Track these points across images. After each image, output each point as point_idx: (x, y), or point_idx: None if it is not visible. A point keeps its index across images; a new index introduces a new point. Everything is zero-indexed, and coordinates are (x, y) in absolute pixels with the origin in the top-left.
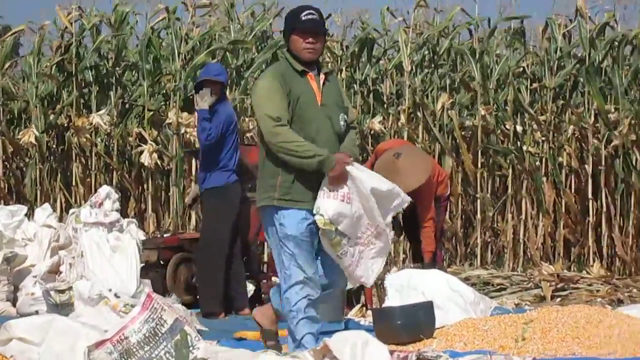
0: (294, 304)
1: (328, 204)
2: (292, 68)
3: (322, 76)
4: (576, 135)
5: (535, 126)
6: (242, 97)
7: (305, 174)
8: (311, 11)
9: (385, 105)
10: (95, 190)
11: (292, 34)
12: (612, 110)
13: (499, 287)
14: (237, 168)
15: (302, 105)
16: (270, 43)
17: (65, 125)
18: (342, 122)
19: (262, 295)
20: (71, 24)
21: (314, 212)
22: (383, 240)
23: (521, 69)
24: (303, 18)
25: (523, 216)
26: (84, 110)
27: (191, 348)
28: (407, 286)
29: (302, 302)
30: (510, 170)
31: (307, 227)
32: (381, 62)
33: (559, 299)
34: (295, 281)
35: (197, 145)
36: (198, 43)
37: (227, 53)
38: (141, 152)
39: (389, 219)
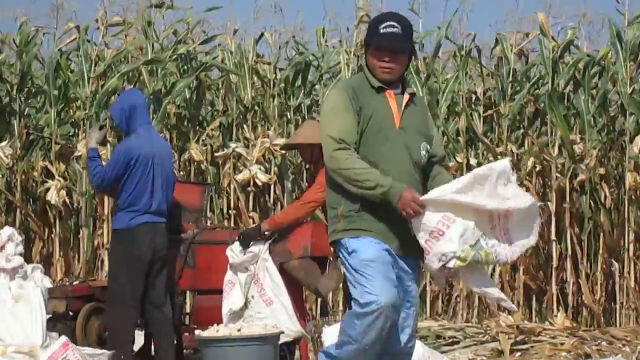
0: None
1: (442, 245)
2: (367, 82)
3: (406, 96)
4: (537, 169)
5: (491, 158)
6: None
7: (371, 203)
8: (393, 23)
9: None
10: None
11: (368, 48)
12: (578, 140)
13: (451, 340)
14: (167, 208)
15: (374, 126)
16: (195, 66)
17: None
18: (423, 152)
19: (184, 350)
20: None
21: (441, 261)
22: (518, 213)
23: (474, 93)
24: (381, 31)
25: None
26: None
27: None
28: None
29: (371, 334)
30: None
31: (382, 249)
32: (317, 87)
33: (518, 353)
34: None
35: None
36: (110, 66)
37: (144, 76)
38: (47, 189)
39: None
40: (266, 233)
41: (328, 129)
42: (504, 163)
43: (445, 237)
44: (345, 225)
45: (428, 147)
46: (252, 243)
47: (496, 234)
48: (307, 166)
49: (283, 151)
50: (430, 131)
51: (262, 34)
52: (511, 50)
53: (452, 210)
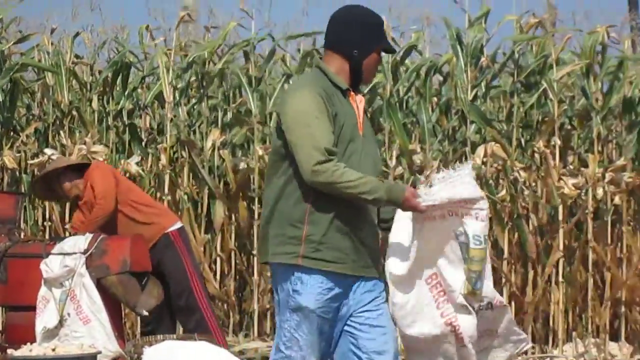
0: None
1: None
2: (331, 83)
3: (360, 98)
4: None
5: None
6: None
7: (342, 225)
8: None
9: (143, 143)
10: None
11: (374, 51)
12: (418, 150)
13: None
14: None
15: (346, 135)
16: (8, 66)
17: None
18: (380, 162)
19: None
20: None
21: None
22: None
23: None
24: (387, 36)
25: None
26: None
27: None
28: None
29: None
30: None
31: (329, 300)
32: (139, 90)
33: None
34: None
35: None
36: None
37: None
38: None
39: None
40: None
41: (308, 137)
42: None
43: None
44: (306, 251)
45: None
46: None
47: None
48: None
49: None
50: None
51: (77, 33)
52: None
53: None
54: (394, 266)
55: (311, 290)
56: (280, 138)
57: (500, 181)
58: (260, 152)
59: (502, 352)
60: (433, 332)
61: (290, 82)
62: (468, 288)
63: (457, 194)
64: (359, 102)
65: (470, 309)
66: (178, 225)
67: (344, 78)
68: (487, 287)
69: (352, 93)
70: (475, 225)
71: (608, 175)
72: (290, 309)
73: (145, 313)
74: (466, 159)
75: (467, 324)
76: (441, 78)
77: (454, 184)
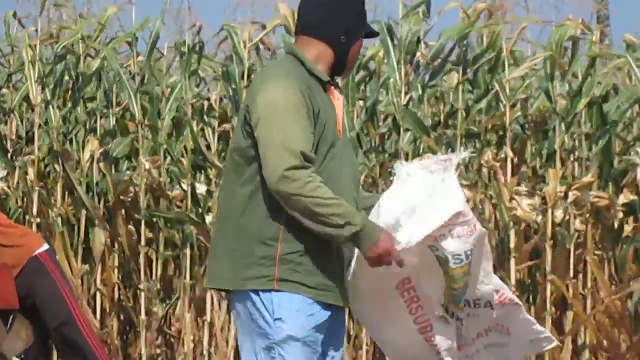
0: None
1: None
2: (310, 74)
3: (339, 95)
4: None
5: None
6: None
7: (320, 242)
8: None
9: (10, 155)
10: None
11: (357, 37)
12: None
13: None
14: None
15: (327, 137)
16: None
17: None
18: (359, 174)
19: None
20: None
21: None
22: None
23: (207, 100)
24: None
25: (208, 317)
26: None
27: None
28: None
29: None
30: (188, 249)
31: (315, 329)
32: (4, 91)
33: None
34: None
35: None
36: None
37: None
38: None
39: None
40: None
41: (281, 136)
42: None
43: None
44: (282, 273)
45: None
46: None
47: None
48: None
49: None
50: None
51: None
52: (244, 46)
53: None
54: (361, 271)
55: (296, 316)
56: (248, 137)
57: None
58: (147, 165)
59: (518, 350)
60: (406, 340)
61: (261, 70)
62: (450, 301)
63: (437, 220)
64: (336, 99)
65: (449, 318)
66: (45, 246)
67: (322, 68)
68: (486, 288)
69: (332, 88)
70: (452, 244)
71: (571, 195)
72: (274, 343)
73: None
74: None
75: (444, 335)
76: (367, 76)
77: (435, 204)
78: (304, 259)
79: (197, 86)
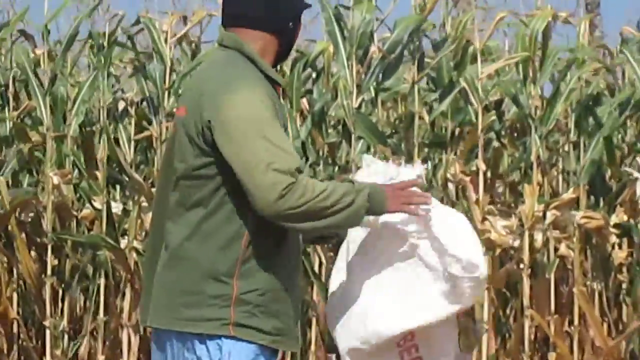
0: None
1: None
2: (265, 77)
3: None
4: None
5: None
6: None
7: (285, 277)
8: None
9: None
10: None
11: (296, 17)
12: None
13: None
14: None
15: None
16: None
17: None
18: None
19: None
20: None
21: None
22: None
23: (126, 102)
24: None
25: (125, 359)
26: None
27: None
28: None
29: None
30: (102, 279)
31: None
32: None
33: None
34: None
35: None
36: None
37: None
38: None
39: None
40: None
41: (269, 155)
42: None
43: None
44: (238, 316)
45: None
46: None
47: None
48: None
49: None
50: None
51: None
52: (165, 40)
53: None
54: (353, 329)
55: None
56: (202, 155)
57: None
58: (56, 180)
59: None
60: None
61: (210, 72)
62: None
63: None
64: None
65: None
66: None
67: (268, 63)
68: None
69: (280, 89)
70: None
71: (550, 215)
72: None
73: None
74: None
75: None
76: (314, 75)
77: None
78: (263, 299)
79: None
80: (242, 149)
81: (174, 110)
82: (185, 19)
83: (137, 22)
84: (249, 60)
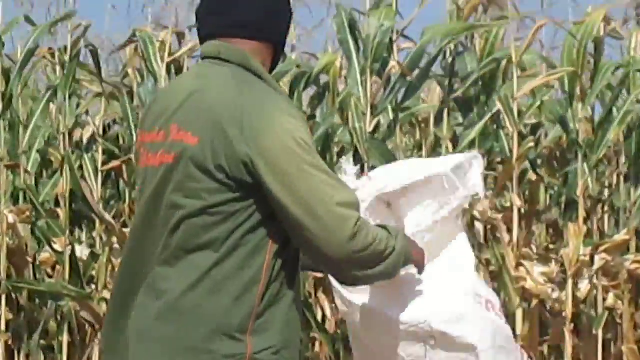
0: None
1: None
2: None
3: None
4: None
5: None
6: None
7: (295, 330)
8: None
9: None
10: None
11: (286, 32)
12: None
13: None
14: None
15: None
16: None
17: None
18: None
19: None
20: None
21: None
22: None
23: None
24: None
25: None
26: None
27: None
28: None
29: None
30: (64, 335)
31: None
32: None
33: None
34: None
35: None
36: None
37: None
38: None
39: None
40: None
41: (329, 189)
42: None
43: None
44: (259, 344)
45: None
46: None
47: None
48: None
49: None
50: None
51: None
52: (162, 59)
53: None
54: None
55: None
56: (229, 190)
57: None
58: (11, 219)
59: None
60: None
61: (208, 93)
62: None
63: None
64: None
65: None
66: None
67: None
68: None
69: None
70: None
71: (599, 259)
72: None
73: None
74: None
75: None
76: (318, 93)
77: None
78: (277, 358)
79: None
80: (298, 184)
81: (156, 133)
82: (180, 37)
83: (132, 37)
84: (256, 77)
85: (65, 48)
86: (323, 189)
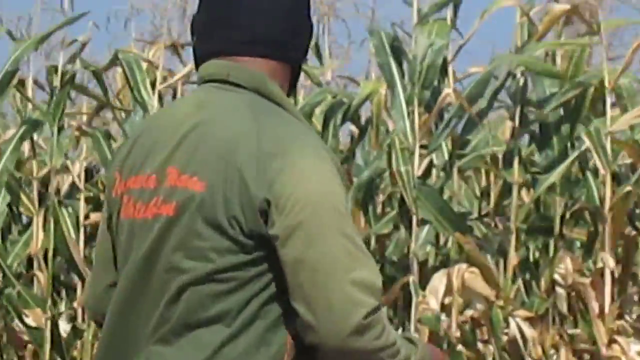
0: None
1: None
2: None
3: None
4: None
5: None
6: None
7: None
8: None
9: None
10: None
11: (303, 59)
12: None
13: None
14: None
15: None
16: None
17: None
18: None
19: None
20: None
21: None
22: None
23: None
24: None
25: None
26: None
27: None
28: None
29: None
30: None
31: None
32: None
33: None
34: None
35: None
36: None
37: None
38: None
39: None
40: None
41: (349, 260)
42: None
43: None
44: None
45: None
46: None
47: None
48: None
49: None
50: None
51: None
52: (153, 86)
53: None
54: None
55: None
56: (243, 250)
57: (481, 345)
58: None
59: None
60: None
61: (218, 127)
62: None
63: None
64: None
65: None
66: None
67: None
68: None
69: None
70: None
71: None
72: None
73: None
74: (406, 302)
75: None
76: (356, 129)
77: None
78: None
79: None
80: (312, 244)
81: (146, 177)
82: (175, 49)
83: (114, 59)
84: (274, 104)
85: (55, 69)
86: (341, 258)
